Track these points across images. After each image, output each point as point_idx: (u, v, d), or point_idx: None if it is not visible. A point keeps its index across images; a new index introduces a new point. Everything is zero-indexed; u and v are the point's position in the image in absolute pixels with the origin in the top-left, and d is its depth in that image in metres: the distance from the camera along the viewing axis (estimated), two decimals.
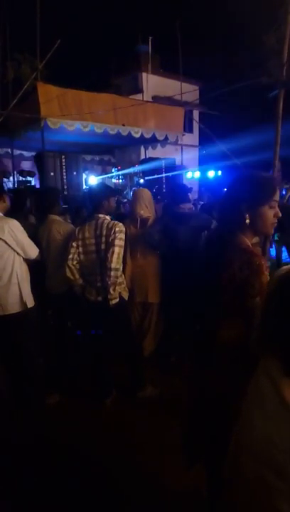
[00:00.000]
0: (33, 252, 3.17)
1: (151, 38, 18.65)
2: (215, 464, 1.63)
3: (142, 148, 11.26)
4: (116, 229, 3.06)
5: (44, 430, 2.96)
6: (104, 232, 3.08)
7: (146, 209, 4.00)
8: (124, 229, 3.11)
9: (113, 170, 13.16)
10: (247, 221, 1.55)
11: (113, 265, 3.00)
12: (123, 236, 3.08)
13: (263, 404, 1.20)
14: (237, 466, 1.26)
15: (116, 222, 3.14)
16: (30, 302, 3.16)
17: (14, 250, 3.04)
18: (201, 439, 1.69)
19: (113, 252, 3.01)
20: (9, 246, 3.00)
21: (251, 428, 1.22)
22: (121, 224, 3.12)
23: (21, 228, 3.08)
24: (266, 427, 1.17)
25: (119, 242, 3.05)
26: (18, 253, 3.07)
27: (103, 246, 3.08)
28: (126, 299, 3.31)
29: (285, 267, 1.25)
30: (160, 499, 2.29)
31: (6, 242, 2.97)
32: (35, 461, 2.64)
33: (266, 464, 1.15)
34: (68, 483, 2.44)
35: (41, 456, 2.69)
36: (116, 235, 3.04)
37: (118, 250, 3.03)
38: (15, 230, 3.01)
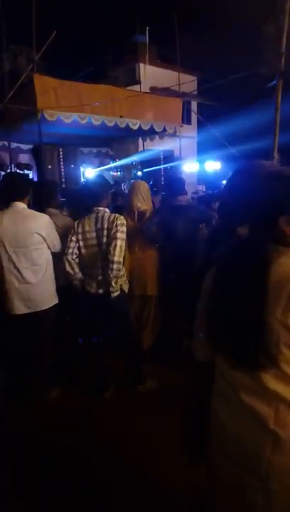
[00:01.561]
0: (59, 245, 3.27)
1: (148, 28, 18.46)
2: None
3: (140, 141, 11.18)
4: (118, 222, 3.06)
5: (45, 424, 2.98)
6: (106, 225, 3.08)
7: (144, 202, 3.98)
8: (125, 222, 3.12)
9: (111, 162, 13.07)
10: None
11: (116, 258, 3.01)
12: (125, 229, 3.09)
13: (227, 403, 1.22)
14: (212, 463, 1.28)
15: (117, 215, 3.14)
16: (56, 296, 3.25)
17: (47, 245, 3.12)
18: (202, 437, 1.69)
19: (116, 245, 3.02)
20: (45, 241, 3.07)
21: (221, 427, 1.24)
22: (122, 217, 3.13)
23: (52, 223, 3.17)
24: (234, 427, 1.18)
25: (121, 235, 3.05)
26: (48, 247, 3.15)
27: (105, 239, 3.09)
28: (127, 291, 3.32)
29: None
30: (160, 494, 2.30)
31: (44, 239, 3.05)
32: (35, 454, 2.66)
33: (240, 464, 1.17)
34: (67, 477, 2.46)
35: (41, 449, 2.71)
36: (118, 228, 3.04)
37: (120, 243, 3.04)
38: (50, 226, 3.11)
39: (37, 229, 2.98)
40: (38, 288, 3.07)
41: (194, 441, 1.76)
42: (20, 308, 3.04)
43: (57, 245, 3.24)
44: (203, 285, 1.28)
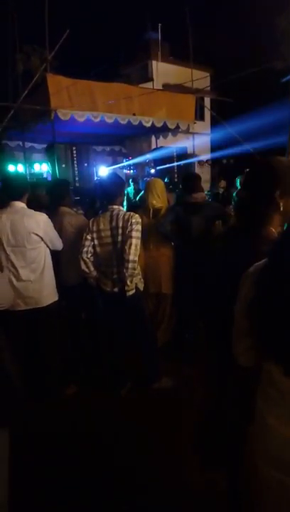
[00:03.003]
0: (60, 243, 3.28)
1: (160, 25, 18.40)
2: (238, 465, 1.61)
3: (153, 138, 11.15)
4: (133, 220, 3.04)
5: (61, 420, 2.99)
6: (121, 224, 3.06)
7: (159, 199, 3.97)
8: (140, 220, 3.10)
9: (124, 160, 13.07)
10: (281, 208, 1.52)
11: (131, 257, 2.99)
12: (140, 228, 3.07)
13: (276, 408, 1.18)
14: (255, 471, 1.24)
15: (132, 213, 3.12)
16: (57, 293, 3.26)
17: (45, 243, 3.12)
18: (219, 440, 1.66)
19: (131, 244, 3.00)
20: (42, 240, 3.08)
21: (268, 432, 1.19)
22: (137, 215, 3.11)
23: (51, 222, 3.17)
24: (282, 433, 1.14)
25: (136, 233, 3.03)
26: (47, 245, 3.15)
27: (120, 238, 3.07)
28: (142, 290, 3.30)
29: (255, 265, 1.21)
30: (177, 490, 2.29)
31: (41, 238, 3.05)
32: (51, 450, 2.68)
33: (287, 470, 1.13)
34: (82, 473, 2.47)
35: (57, 445, 2.72)
36: (133, 226, 3.03)
37: (135, 242, 3.02)
38: (48, 225, 3.12)
39: (34, 229, 2.99)
40: (36, 285, 3.09)
41: (209, 442, 1.75)
42: (19, 304, 3.06)
43: (57, 244, 3.24)
44: (243, 287, 1.22)
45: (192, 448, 1.83)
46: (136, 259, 3.05)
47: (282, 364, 1.10)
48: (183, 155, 11.45)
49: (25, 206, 3.10)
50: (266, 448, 1.20)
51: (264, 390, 1.23)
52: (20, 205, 3.06)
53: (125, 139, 11.91)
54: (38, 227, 3.01)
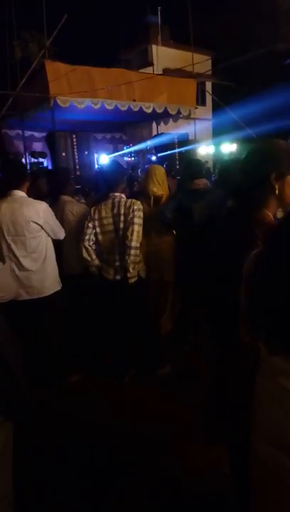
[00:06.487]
0: (62, 233, 3.25)
1: (160, 8, 18.07)
2: (237, 441, 1.64)
3: (154, 125, 11.04)
4: (135, 207, 3.04)
5: (66, 408, 3.02)
6: (122, 211, 3.05)
7: (160, 186, 3.92)
8: (142, 207, 3.09)
9: (124, 148, 12.97)
10: (277, 191, 1.51)
11: (133, 244, 3.00)
12: (142, 214, 3.07)
13: (268, 385, 1.20)
14: (253, 451, 1.26)
15: (133, 200, 3.12)
16: (60, 282, 3.25)
17: (46, 232, 3.10)
18: (222, 417, 1.69)
19: (133, 231, 3.00)
20: (43, 229, 3.05)
21: (262, 411, 1.22)
22: (139, 202, 3.11)
23: (51, 211, 3.14)
24: (274, 409, 1.16)
25: (138, 220, 3.03)
26: (48, 235, 3.13)
27: (122, 225, 3.07)
28: (144, 277, 3.30)
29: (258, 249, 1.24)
30: (181, 475, 2.32)
31: (41, 227, 3.03)
32: (57, 437, 2.71)
33: (280, 447, 1.15)
34: (87, 460, 2.49)
35: (63, 432, 2.75)
36: (135, 213, 3.02)
37: (137, 229, 3.02)
38: (48, 213, 3.08)
39: (33, 217, 2.96)
40: (38, 275, 3.07)
41: (213, 421, 1.78)
42: (21, 294, 3.05)
43: (58, 233, 3.21)
44: (245, 268, 1.25)
45: (197, 429, 1.86)
46: (138, 245, 3.05)
47: (269, 342, 1.14)
48: (184, 141, 11.33)
49: (25, 195, 3.07)
50: (261, 423, 1.22)
51: (261, 367, 1.26)
52: (20, 193, 3.04)
53: (126, 126, 11.80)
54: (37, 215, 2.98)
